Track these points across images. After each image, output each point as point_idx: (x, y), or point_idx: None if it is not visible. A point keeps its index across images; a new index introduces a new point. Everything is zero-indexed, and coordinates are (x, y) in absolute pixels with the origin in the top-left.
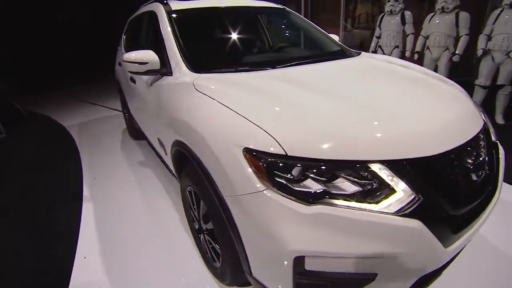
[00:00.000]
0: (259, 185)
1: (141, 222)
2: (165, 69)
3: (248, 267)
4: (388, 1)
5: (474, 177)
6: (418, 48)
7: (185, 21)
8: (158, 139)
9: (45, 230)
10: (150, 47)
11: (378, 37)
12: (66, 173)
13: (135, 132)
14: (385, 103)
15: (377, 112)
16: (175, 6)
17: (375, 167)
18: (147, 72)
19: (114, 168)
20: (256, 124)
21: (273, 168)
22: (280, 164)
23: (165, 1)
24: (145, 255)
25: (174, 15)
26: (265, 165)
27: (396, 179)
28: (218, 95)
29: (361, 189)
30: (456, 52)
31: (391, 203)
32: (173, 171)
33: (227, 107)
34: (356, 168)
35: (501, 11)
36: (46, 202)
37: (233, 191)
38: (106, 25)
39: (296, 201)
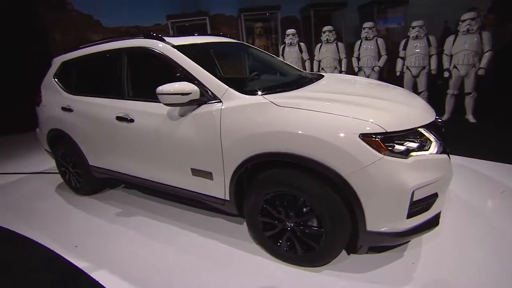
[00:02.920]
0: (379, 154)
1: (187, 263)
2: (204, 97)
3: (364, 225)
4: (287, 36)
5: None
6: (315, 70)
7: (194, 55)
8: (193, 169)
9: None
10: (142, 82)
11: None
12: (31, 260)
13: (92, 186)
14: (394, 98)
15: (399, 102)
16: (174, 42)
17: (421, 130)
18: (189, 102)
19: (89, 229)
20: (356, 118)
21: (383, 141)
22: (385, 138)
23: (161, 37)
24: None
25: (183, 50)
26: (380, 140)
27: (430, 135)
28: (305, 106)
29: (419, 144)
30: (343, 70)
31: (434, 148)
32: (226, 195)
33: (322, 112)
34: (413, 133)
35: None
36: None
37: (359, 165)
38: None
39: (400, 157)
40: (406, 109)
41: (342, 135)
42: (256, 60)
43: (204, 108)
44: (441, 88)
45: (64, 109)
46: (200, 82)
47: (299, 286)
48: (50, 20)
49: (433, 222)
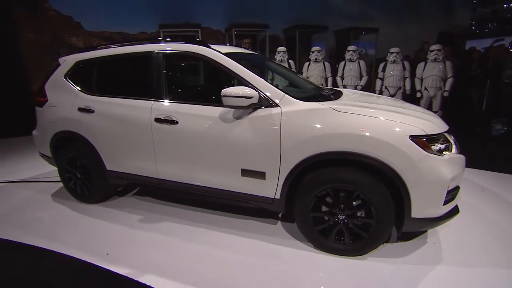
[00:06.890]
0: (425, 152)
1: (241, 263)
2: (260, 102)
3: (409, 212)
4: (278, 53)
5: None
6: None
7: (243, 63)
8: (243, 170)
9: None
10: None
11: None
12: (61, 272)
13: (104, 193)
14: (418, 109)
15: (424, 112)
16: (221, 49)
17: (446, 135)
18: (249, 106)
19: (114, 237)
20: (404, 123)
21: (428, 141)
22: (427, 139)
23: (207, 44)
24: None
25: (232, 58)
26: (425, 141)
27: (450, 138)
28: (360, 112)
29: (446, 145)
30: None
31: (455, 149)
32: (277, 194)
33: (377, 117)
34: (442, 136)
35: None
36: None
37: (410, 161)
38: None
39: (438, 155)
40: (432, 118)
41: (396, 136)
42: (280, 73)
43: (261, 111)
44: None
45: (81, 110)
46: (257, 88)
47: (355, 272)
48: (23, 18)
49: (456, 210)
